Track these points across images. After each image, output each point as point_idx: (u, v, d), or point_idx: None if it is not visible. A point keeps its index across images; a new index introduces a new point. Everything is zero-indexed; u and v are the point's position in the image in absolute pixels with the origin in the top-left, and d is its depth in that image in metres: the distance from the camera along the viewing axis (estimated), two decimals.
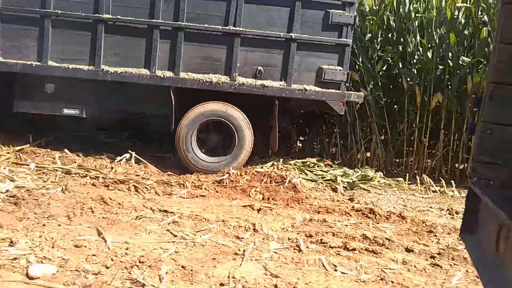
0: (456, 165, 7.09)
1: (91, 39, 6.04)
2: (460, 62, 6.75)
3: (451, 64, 6.78)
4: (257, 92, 6.17)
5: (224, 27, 6.06)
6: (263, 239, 4.19)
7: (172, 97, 6.13)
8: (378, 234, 4.58)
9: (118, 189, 5.31)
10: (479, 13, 6.75)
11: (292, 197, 5.61)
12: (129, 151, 6.39)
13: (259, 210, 5.10)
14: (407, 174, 6.87)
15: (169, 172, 6.28)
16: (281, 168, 6.51)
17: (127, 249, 3.66)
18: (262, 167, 6.47)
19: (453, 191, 6.41)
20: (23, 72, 6.07)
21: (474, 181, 1.95)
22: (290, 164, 6.68)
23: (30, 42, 6.04)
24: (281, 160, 6.74)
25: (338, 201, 5.77)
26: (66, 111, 6.22)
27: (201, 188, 5.67)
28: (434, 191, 6.42)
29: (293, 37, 6.11)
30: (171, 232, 4.12)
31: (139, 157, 6.37)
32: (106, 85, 6.19)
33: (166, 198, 5.30)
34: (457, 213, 5.56)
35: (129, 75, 6.06)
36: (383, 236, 4.51)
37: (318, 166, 6.69)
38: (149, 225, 4.26)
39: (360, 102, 6.79)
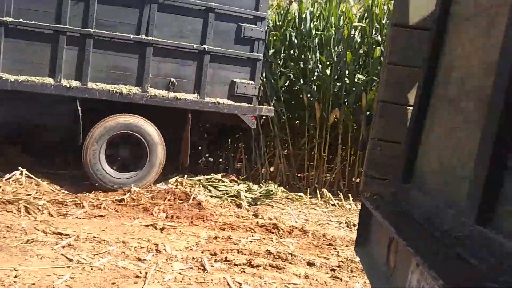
0: (353, 178, 7.48)
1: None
2: (356, 79, 7.18)
3: (347, 81, 7.19)
4: (170, 104, 5.99)
5: (136, 36, 5.85)
6: (167, 259, 4.04)
7: (79, 109, 5.74)
8: (282, 249, 4.65)
9: (6, 211, 4.87)
10: (373, 32, 7.25)
11: (197, 214, 5.51)
12: (19, 168, 5.88)
13: (162, 229, 4.93)
14: (308, 188, 7.09)
15: (64, 191, 5.86)
16: (185, 185, 6.39)
17: (16, 276, 3.32)
18: (166, 184, 6.29)
19: (350, 204, 6.73)
20: None
21: (366, 196, 2.04)
22: (195, 181, 6.57)
23: None
24: (186, 176, 6.61)
25: (243, 217, 5.78)
26: None
27: (100, 208, 5.36)
28: (333, 205, 6.70)
29: (206, 49, 6.06)
30: (66, 257, 3.82)
31: (30, 175, 5.87)
32: (5, 94, 5.60)
33: (61, 219, 4.93)
34: (354, 225, 5.83)
35: (31, 84, 5.54)
36: (286, 251, 4.57)
37: (223, 182, 6.66)
38: (41, 250, 3.92)
39: (271, 116, 6.90)
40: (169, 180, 6.51)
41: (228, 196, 6.40)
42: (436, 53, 1.89)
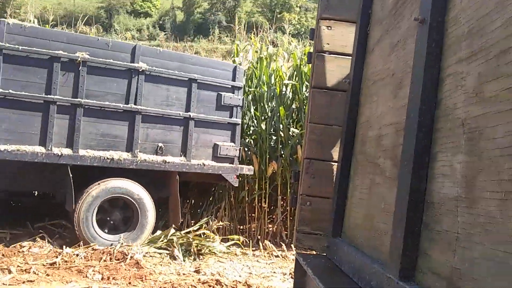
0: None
1: None
2: (290, 133, 7.40)
3: (282, 134, 7.39)
4: (159, 168, 6.24)
5: (125, 105, 6.08)
6: None
7: (70, 175, 5.78)
8: None
9: None
10: (304, 89, 7.58)
11: (135, 274, 5.28)
12: None
13: None
14: (250, 240, 7.05)
15: None
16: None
17: None
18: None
19: (293, 254, 6.73)
20: None
21: (299, 252, 2.07)
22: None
23: None
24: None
25: (184, 274, 5.60)
26: None
27: (29, 272, 5.00)
28: (277, 256, 6.68)
29: (191, 116, 6.46)
30: None
31: None
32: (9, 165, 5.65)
33: None
34: None
35: (21, 153, 5.54)
36: None
37: (164, 237, 6.48)
38: None
39: (251, 175, 7.12)
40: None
41: (167, 253, 6.22)
42: (354, 113, 2.02)
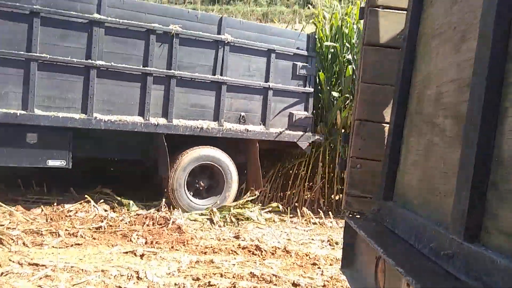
0: (333, 196, 7.50)
1: (83, 85, 5.71)
2: (331, 98, 7.27)
3: (324, 99, 7.27)
4: (241, 136, 6.61)
5: (213, 76, 6.38)
6: (148, 287, 3.94)
7: (165, 144, 6.14)
8: (265, 271, 4.58)
9: None
10: (344, 51, 7.38)
11: (177, 239, 5.41)
12: None
13: (142, 255, 4.82)
14: (289, 207, 7.07)
15: (38, 220, 5.69)
16: (165, 209, 6.31)
17: None
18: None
19: (331, 222, 6.73)
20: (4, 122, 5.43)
21: (350, 215, 2.03)
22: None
23: (13, 88, 5.44)
24: (163, 199, 6.54)
25: (224, 239, 5.70)
26: (51, 162, 5.70)
27: (76, 236, 5.21)
28: (314, 223, 6.68)
29: (270, 86, 6.72)
30: None
31: (2, 204, 5.69)
32: (96, 133, 5.96)
33: (37, 249, 4.76)
34: (336, 243, 5.80)
35: (122, 123, 5.88)
36: (270, 273, 4.51)
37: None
38: (17, 282, 3.77)
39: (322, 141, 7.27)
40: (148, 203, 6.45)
41: (207, 218, 6.33)
42: (409, 71, 1.92)
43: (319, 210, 7.17)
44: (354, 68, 7.17)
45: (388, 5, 2.07)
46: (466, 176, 1.17)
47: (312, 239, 6.03)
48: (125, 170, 7.63)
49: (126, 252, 4.86)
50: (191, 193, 6.54)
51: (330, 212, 7.00)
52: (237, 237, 5.79)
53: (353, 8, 7.58)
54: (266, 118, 6.75)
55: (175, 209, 6.33)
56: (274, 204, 6.86)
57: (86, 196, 6.24)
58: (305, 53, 6.92)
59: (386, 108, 2.06)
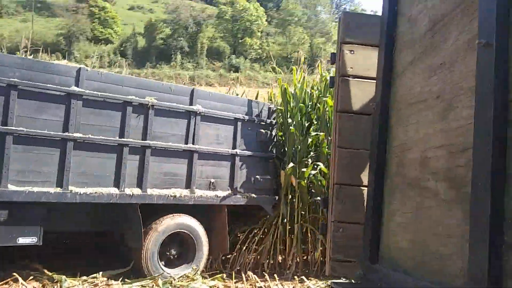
0: (275, 257, 7.42)
1: (59, 158, 5.54)
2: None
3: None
4: (212, 202, 6.67)
5: (185, 145, 6.48)
6: None
7: (139, 214, 6.03)
8: None
9: None
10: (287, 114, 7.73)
11: None
12: None
13: None
14: (233, 272, 6.88)
15: None
16: None
17: None
18: None
19: (276, 285, 6.60)
20: None
21: (335, 282, 2.01)
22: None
23: None
24: (101, 273, 6.09)
25: None
26: (21, 240, 5.39)
27: None
28: (260, 287, 6.51)
29: (237, 153, 6.94)
30: None
31: None
32: (65, 206, 5.74)
33: None
34: None
35: (98, 195, 5.75)
36: None
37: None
38: None
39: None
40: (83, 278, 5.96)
41: None
42: (383, 137, 2.02)
43: (263, 273, 7.04)
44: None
45: (357, 74, 2.19)
46: (481, 237, 1.21)
47: None
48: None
49: None
50: (163, 263, 6.36)
51: (275, 275, 6.90)
52: None
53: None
54: (234, 183, 6.91)
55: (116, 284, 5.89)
56: (218, 276, 6.65)
57: (14, 274, 5.64)
58: (267, 120, 7.33)
59: (363, 171, 2.13)
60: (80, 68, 5.76)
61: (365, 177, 2.11)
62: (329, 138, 7.46)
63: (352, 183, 2.11)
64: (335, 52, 2.27)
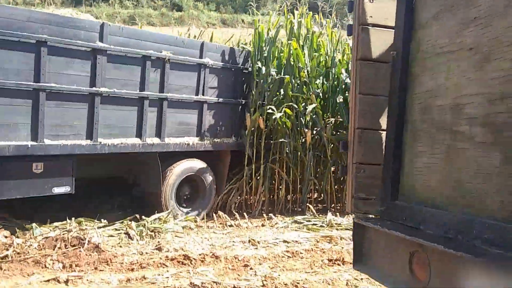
0: (245, 197, 7.70)
1: (88, 113, 5.87)
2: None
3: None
4: (219, 148, 7.32)
5: (196, 96, 6.96)
6: None
7: (159, 161, 6.65)
8: (203, 279, 4.58)
9: None
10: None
11: (99, 259, 5.08)
12: None
13: (66, 281, 4.46)
14: (203, 212, 7.10)
15: None
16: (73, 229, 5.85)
17: None
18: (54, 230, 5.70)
19: (246, 222, 6.90)
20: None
21: (360, 217, 2.21)
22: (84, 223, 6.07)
23: (22, 119, 5.38)
24: (73, 219, 6.07)
25: (147, 253, 5.49)
26: (56, 190, 5.76)
27: None
28: (231, 225, 6.79)
29: (241, 102, 7.64)
30: None
31: None
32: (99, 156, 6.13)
33: None
34: (259, 243, 5.99)
35: (124, 146, 6.20)
36: (209, 280, 4.54)
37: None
38: None
39: None
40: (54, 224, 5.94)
41: (123, 232, 6.05)
42: (404, 84, 2.16)
43: (234, 212, 7.31)
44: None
45: (377, 23, 2.29)
46: None
47: (234, 242, 6.13)
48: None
49: (48, 280, 4.44)
50: (177, 203, 7.05)
51: (245, 214, 7.19)
52: (159, 249, 5.62)
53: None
54: (236, 130, 7.58)
55: (90, 228, 5.91)
56: (190, 218, 6.83)
57: None
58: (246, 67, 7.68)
59: (382, 116, 2.28)
60: (103, 23, 5.94)
61: (384, 122, 2.27)
62: (292, 81, 7.60)
63: (372, 127, 2.27)
64: (352, 0, 2.34)
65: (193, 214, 7.09)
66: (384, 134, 2.27)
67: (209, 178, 7.30)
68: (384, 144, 2.25)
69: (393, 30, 2.26)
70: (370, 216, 2.23)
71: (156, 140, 6.55)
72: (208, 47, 7.07)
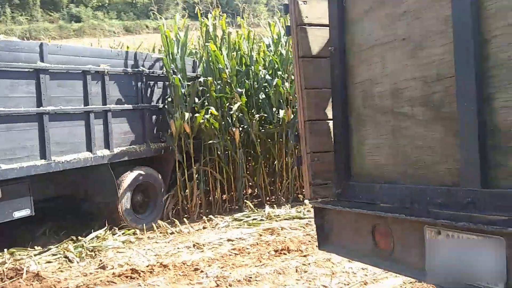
0: (181, 202, 7.67)
1: (39, 132, 5.92)
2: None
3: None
4: (162, 152, 7.54)
5: (136, 104, 7.18)
6: None
7: (112, 172, 6.73)
8: None
9: None
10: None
11: (41, 287, 4.85)
12: None
13: None
14: (143, 224, 6.98)
15: None
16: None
17: None
18: None
19: (187, 227, 6.90)
20: None
21: (319, 201, 2.38)
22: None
23: None
24: (5, 250, 5.71)
25: (91, 273, 5.32)
26: (17, 214, 5.74)
27: None
28: (172, 233, 6.75)
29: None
30: None
31: None
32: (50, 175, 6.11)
33: None
34: (203, 245, 6.04)
35: (77, 161, 6.31)
36: None
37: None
38: None
39: None
40: None
41: (60, 255, 5.81)
42: (344, 75, 2.38)
43: (173, 219, 7.26)
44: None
45: (312, 22, 2.48)
46: (471, 142, 1.65)
47: (178, 248, 6.12)
48: None
49: None
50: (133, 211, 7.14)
51: (185, 219, 7.18)
52: (103, 268, 5.46)
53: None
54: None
55: (26, 257, 5.57)
56: (128, 231, 6.69)
57: None
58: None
59: (327, 107, 2.47)
60: (41, 43, 6.10)
61: (329, 112, 2.46)
62: (217, 82, 7.71)
63: (320, 118, 2.45)
64: (287, 3, 2.51)
65: (149, 219, 7.23)
66: (331, 123, 2.46)
67: (159, 183, 7.49)
68: (332, 132, 2.45)
69: (328, 28, 2.46)
70: (328, 199, 2.41)
71: (106, 152, 6.69)
72: (142, 56, 7.45)
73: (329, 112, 2.48)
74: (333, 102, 2.44)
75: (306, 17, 2.46)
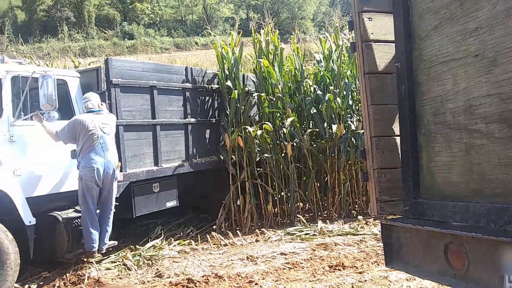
0: (234, 215, 7.77)
1: (184, 139, 7.31)
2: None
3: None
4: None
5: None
6: None
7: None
8: None
9: None
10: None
11: None
12: None
13: None
14: (198, 235, 7.13)
15: None
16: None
17: None
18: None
19: (240, 240, 6.97)
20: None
21: (388, 218, 2.37)
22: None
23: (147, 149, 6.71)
24: None
25: (149, 281, 5.48)
26: (168, 204, 6.99)
27: None
28: (225, 245, 6.84)
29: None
30: None
31: None
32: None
33: None
34: (257, 258, 6.07)
35: (209, 162, 7.65)
36: None
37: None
38: None
39: None
40: None
41: (121, 264, 6.01)
42: (413, 91, 2.37)
43: (227, 232, 7.36)
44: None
45: (377, 39, 2.50)
46: None
47: (232, 260, 6.19)
48: None
49: None
50: None
51: (238, 231, 7.26)
52: (160, 276, 5.63)
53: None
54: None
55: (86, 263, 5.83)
56: (183, 242, 6.85)
57: None
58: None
59: (393, 123, 2.47)
60: (186, 67, 7.69)
61: (396, 128, 2.46)
62: (269, 97, 7.80)
63: (386, 134, 2.45)
64: (352, 20, 2.54)
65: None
66: (398, 139, 2.46)
67: None
68: (399, 148, 2.44)
69: (393, 44, 2.47)
70: (395, 216, 2.40)
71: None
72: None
73: (396, 128, 2.48)
74: (400, 118, 2.43)
75: (372, 33, 2.48)
